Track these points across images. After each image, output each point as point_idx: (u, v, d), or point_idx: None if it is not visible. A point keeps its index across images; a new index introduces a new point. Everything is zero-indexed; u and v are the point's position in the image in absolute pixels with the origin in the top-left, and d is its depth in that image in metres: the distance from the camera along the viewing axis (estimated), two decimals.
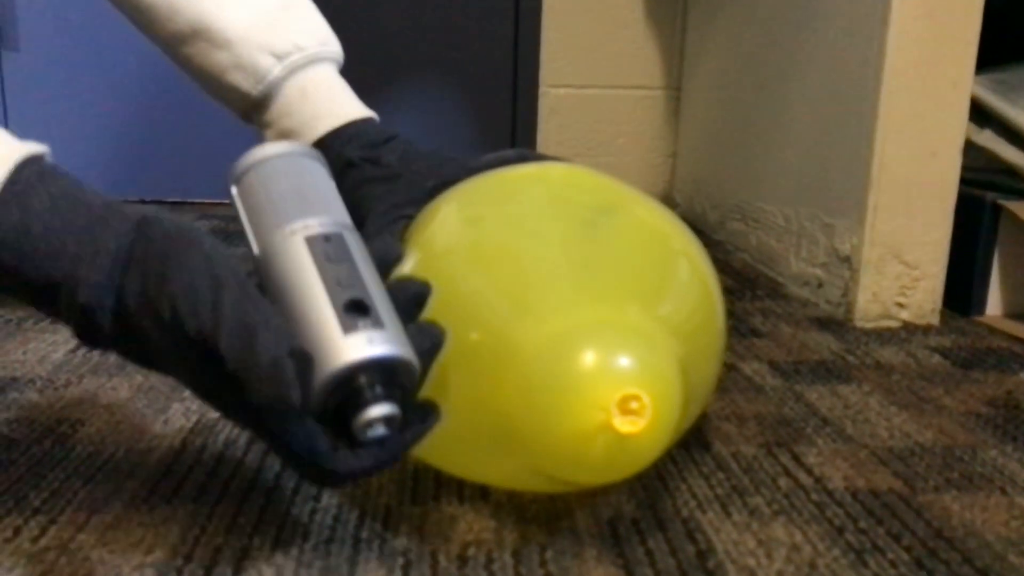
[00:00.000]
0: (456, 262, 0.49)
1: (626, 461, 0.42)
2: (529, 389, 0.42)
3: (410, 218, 0.54)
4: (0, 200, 0.39)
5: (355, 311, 0.37)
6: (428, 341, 0.40)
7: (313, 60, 0.62)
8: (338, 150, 0.61)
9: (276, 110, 0.62)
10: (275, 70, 0.61)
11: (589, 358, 0.42)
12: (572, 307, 0.44)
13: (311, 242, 0.38)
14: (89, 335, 0.40)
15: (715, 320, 0.52)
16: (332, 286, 0.37)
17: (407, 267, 0.50)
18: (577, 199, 0.52)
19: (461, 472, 0.51)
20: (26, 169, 0.41)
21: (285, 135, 0.62)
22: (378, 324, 0.37)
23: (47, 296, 0.40)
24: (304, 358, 0.36)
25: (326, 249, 0.38)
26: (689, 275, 0.51)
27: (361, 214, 0.58)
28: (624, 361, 0.42)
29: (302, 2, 0.64)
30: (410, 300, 0.42)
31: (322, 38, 0.63)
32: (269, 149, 0.42)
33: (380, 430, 0.36)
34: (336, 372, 0.35)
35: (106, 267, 0.39)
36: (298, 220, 0.39)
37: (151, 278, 0.38)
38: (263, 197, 0.41)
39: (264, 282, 0.39)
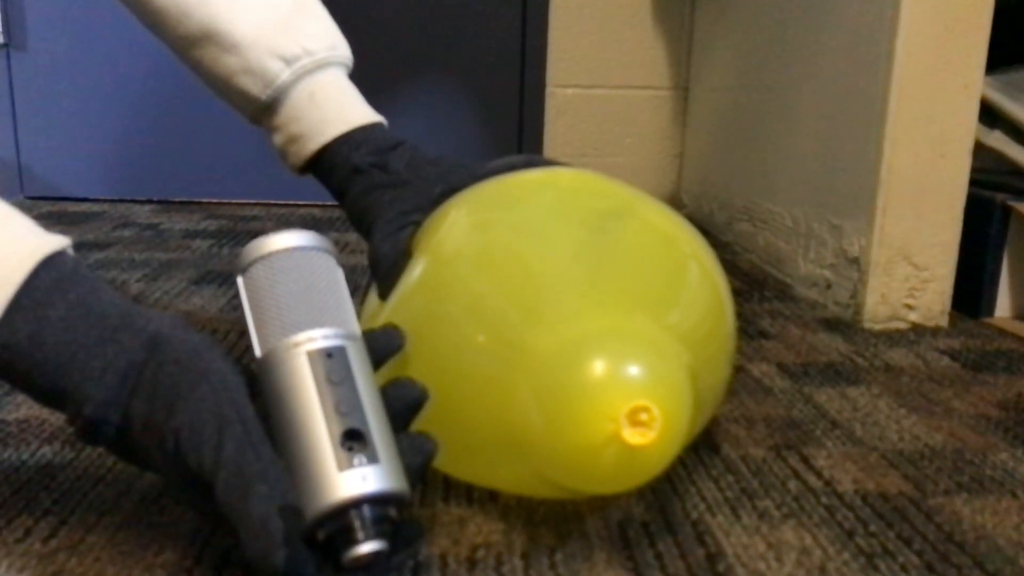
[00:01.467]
0: (464, 267, 0.48)
1: (635, 472, 0.42)
2: (538, 398, 0.42)
3: (417, 225, 0.54)
4: (17, 305, 0.40)
5: (352, 440, 0.37)
6: (419, 458, 0.40)
7: (322, 65, 0.62)
8: (346, 155, 0.61)
9: (284, 115, 0.62)
10: (283, 75, 0.61)
11: (599, 368, 0.41)
12: (582, 315, 0.44)
13: (313, 359, 0.38)
14: (92, 441, 0.41)
15: (725, 325, 0.52)
16: (330, 413, 0.37)
17: (415, 273, 0.50)
18: (586, 204, 0.52)
19: (469, 477, 0.51)
20: (44, 272, 0.41)
21: (293, 139, 0.62)
22: (373, 459, 0.37)
23: (55, 401, 0.41)
24: (294, 515, 0.36)
25: (328, 368, 0.38)
26: (699, 279, 0.51)
27: (368, 220, 0.58)
28: (634, 371, 0.42)
29: (312, 5, 0.64)
30: (407, 408, 0.42)
31: (332, 42, 0.63)
32: (278, 241, 0.41)
33: (367, 561, 0.37)
34: (328, 509, 0.36)
35: (113, 386, 0.39)
36: (302, 331, 0.39)
37: (158, 407, 0.39)
38: (269, 298, 0.40)
39: (264, 388, 0.39)
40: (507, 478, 0.49)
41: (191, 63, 0.64)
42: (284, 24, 0.61)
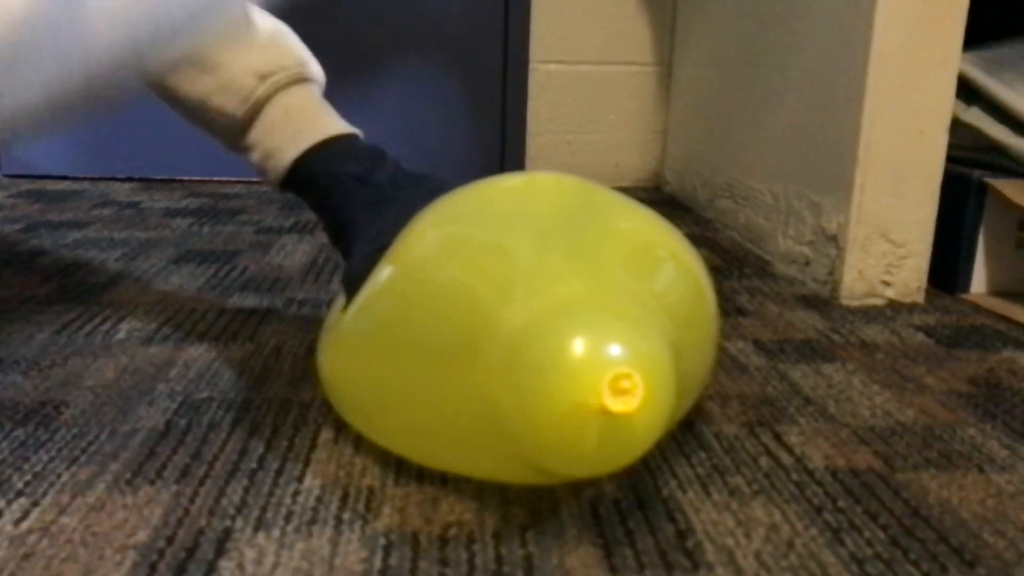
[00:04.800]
0: (433, 255, 0.48)
1: (618, 448, 0.40)
2: (513, 372, 0.41)
3: None
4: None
5: None
6: None
7: (296, 79, 0.63)
8: (324, 166, 0.61)
9: (260, 129, 0.63)
10: (259, 89, 0.62)
11: (577, 339, 0.40)
12: (557, 283, 0.43)
13: None
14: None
15: (706, 311, 0.51)
16: None
17: (383, 269, 0.50)
18: (564, 200, 0.51)
19: (443, 466, 0.51)
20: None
21: (269, 154, 0.63)
22: None
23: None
24: None
25: None
26: (678, 267, 0.50)
27: (348, 239, 0.59)
28: (613, 340, 0.40)
29: (286, 33, 0.66)
30: None
31: (305, 61, 0.65)
32: None
33: None
34: None
35: None
36: None
37: None
38: None
39: None
40: (483, 464, 0.48)
41: (166, 91, 0.65)
42: (260, 47, 0.63)
